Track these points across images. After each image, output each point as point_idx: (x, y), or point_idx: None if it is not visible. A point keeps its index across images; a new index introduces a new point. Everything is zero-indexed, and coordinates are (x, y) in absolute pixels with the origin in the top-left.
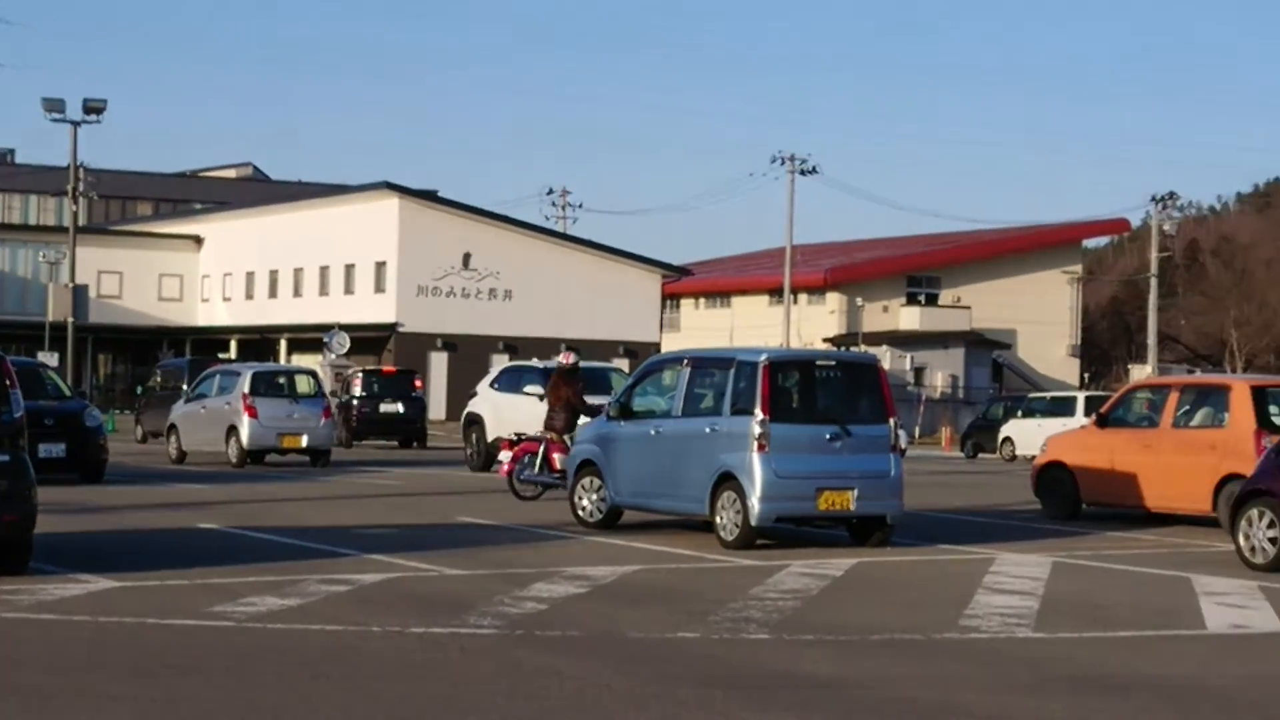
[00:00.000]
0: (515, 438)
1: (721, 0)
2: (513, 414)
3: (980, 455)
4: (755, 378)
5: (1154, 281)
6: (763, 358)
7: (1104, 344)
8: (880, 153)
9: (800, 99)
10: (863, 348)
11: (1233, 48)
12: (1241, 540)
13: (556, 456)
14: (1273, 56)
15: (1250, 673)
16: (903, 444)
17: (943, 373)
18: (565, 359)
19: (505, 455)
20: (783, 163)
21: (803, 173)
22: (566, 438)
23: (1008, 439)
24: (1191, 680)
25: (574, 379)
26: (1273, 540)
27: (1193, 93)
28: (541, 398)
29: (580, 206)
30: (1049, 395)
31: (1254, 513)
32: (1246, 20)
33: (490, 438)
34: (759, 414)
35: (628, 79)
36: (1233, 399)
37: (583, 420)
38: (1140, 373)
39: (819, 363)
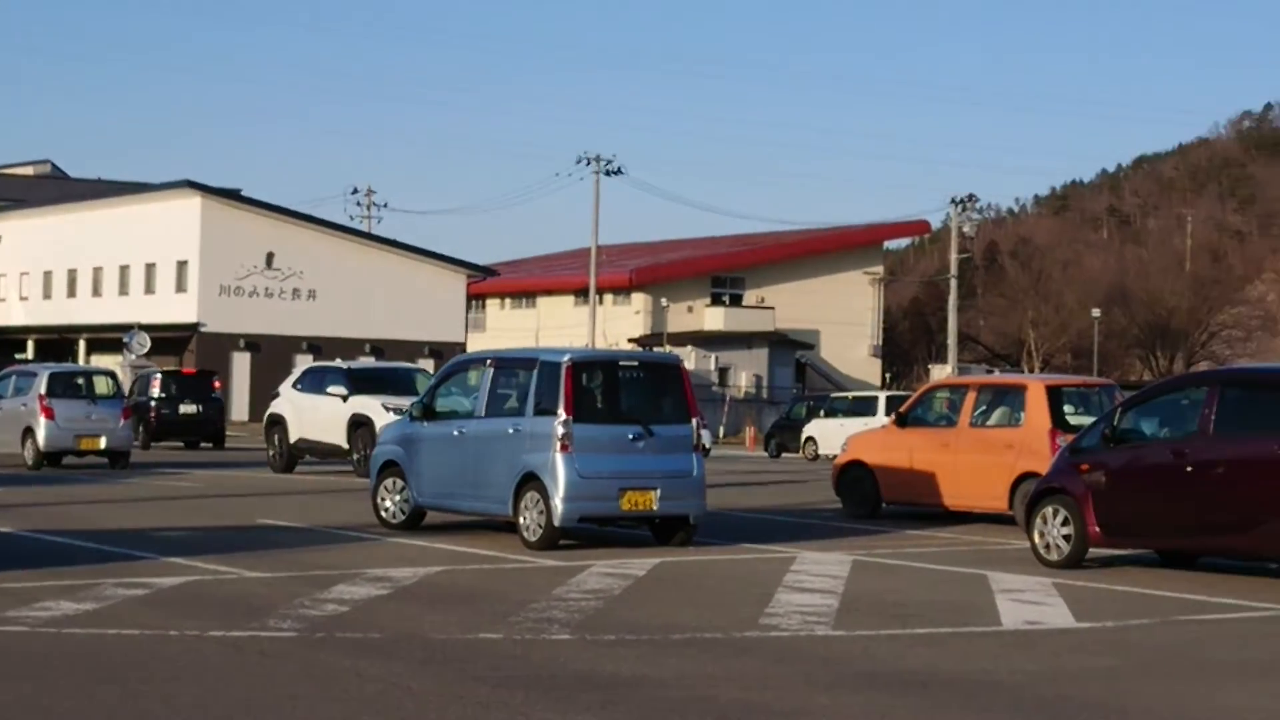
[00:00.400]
0: None
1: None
2: (315, 415)
3: (784, 455)
4: (558, 378)
5: (954, 283)
6: (565, 358)
7: (905, 344)
8: (687, 154)
9: (607, 99)
10: (668, 348)
11: (1032, 52)
12: (1036, 538)
13: None
14: (1071, 62)
15: (1042, 668)
16: (706, 444)
17: (747, 373)
18: None
19: None
20: (588, 163)
21: (608, 173)
22: None
23: (810, 439)
24: (986, 676)
25: None
26: (1067, 537)
27: (993, 97)
28: (345, 398)
29: (385, 206)
30: (851, 395)
31: (1048, 510)
32: (1044, 25)
33: (293, 439)
34: (562, 414)
35: (435, 79)
36: (1028, 399)
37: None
38: (940, 372)
39: (621, 363)
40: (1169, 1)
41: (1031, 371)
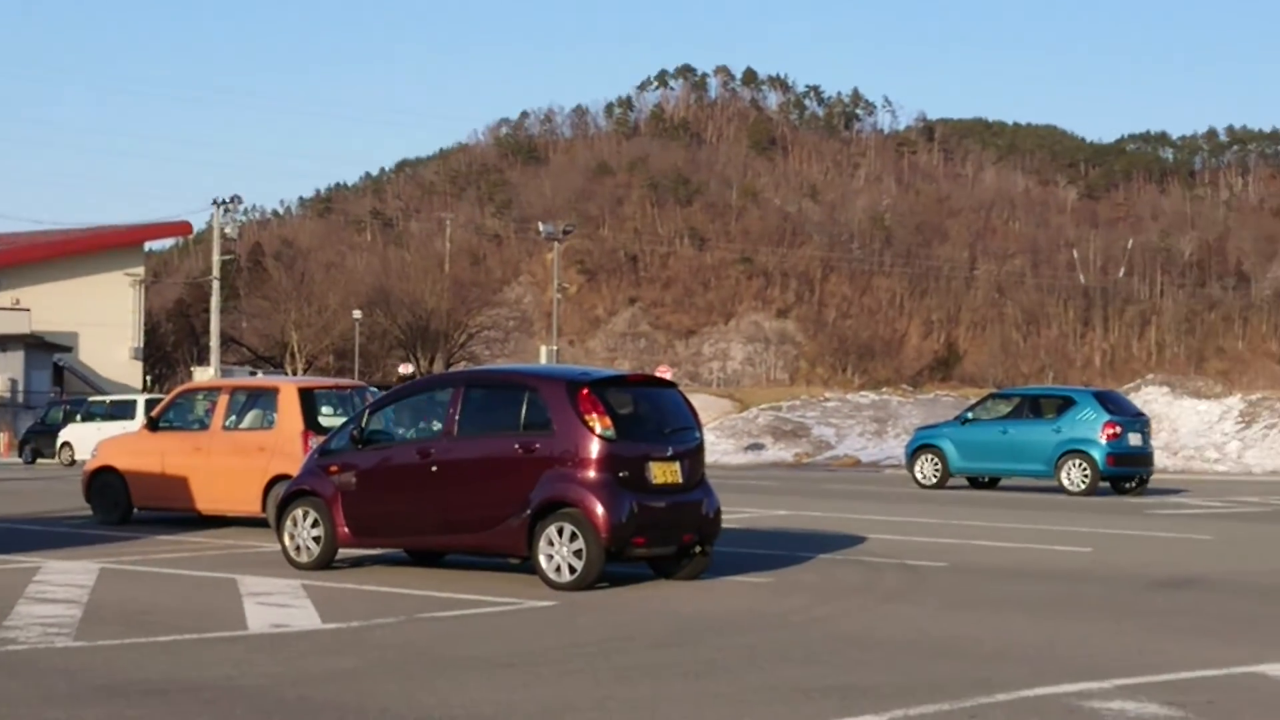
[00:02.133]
0: None
1: None
2: None
3: (39, 460)
4: None
5: (216, 284)
6: None
7: (169, 346)
8: None
9: None
10: None
11: (299, 54)
12: (287, 540)
13: None
14: (336, 65)
15: (286, 671)
16: None
17: (2, 376)
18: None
19: None
20: None
21: None
22: None
23: (66, 444)
24: (228, 681)
25: None
26: (317, 539)
27: (259, 98)
28: None
29: None
30: (109, 399)
31: (299, 513)
32: (288, 26)
33: None
34: None
35: None
36: (281, 401)
37: None
38: (203, 374)
39: None
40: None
41: (295, 373)
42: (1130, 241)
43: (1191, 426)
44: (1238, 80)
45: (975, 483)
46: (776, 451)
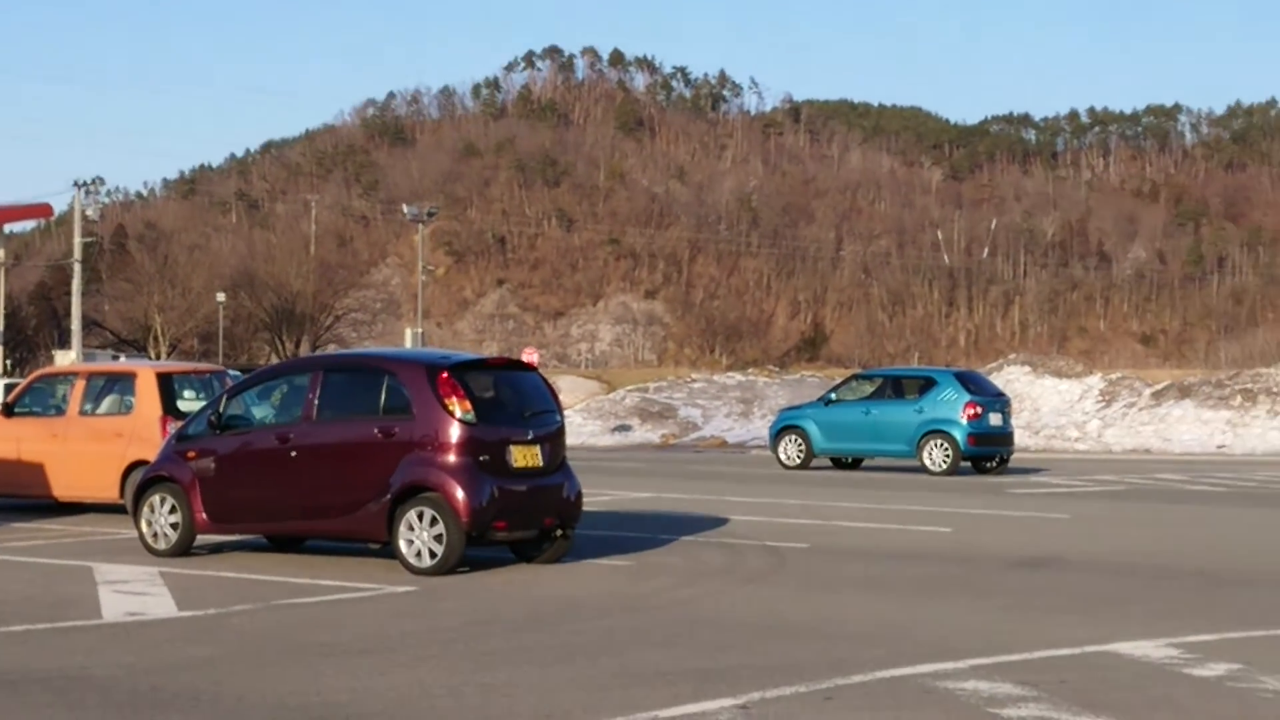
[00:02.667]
0: None
1: None
2: None
3: None
4: None
5: (78, 267)
6: None
7: (30, 330)
8: None
9: None
10: None
11: (165, 33)
12: (144, 527)
13: None
14: (202, 44)
15: (140, 660)
16: None
17: None
18: None
19: None
20: None
21: None
22: None
23: None
24: (80, 671)
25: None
26: (175, 525)
27: (122, 78)
28: None
29: None
30: None
31: (156, 499)
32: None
33: None
34: None
35: None
36: (139, 386)
37: None
38: (64, 358)
39: None
40: None
41: (158, 357)
42: (994, 222)
43: (1052, 406)
44: (1099, 62)
45: (839, 463)
46: (644, 433)
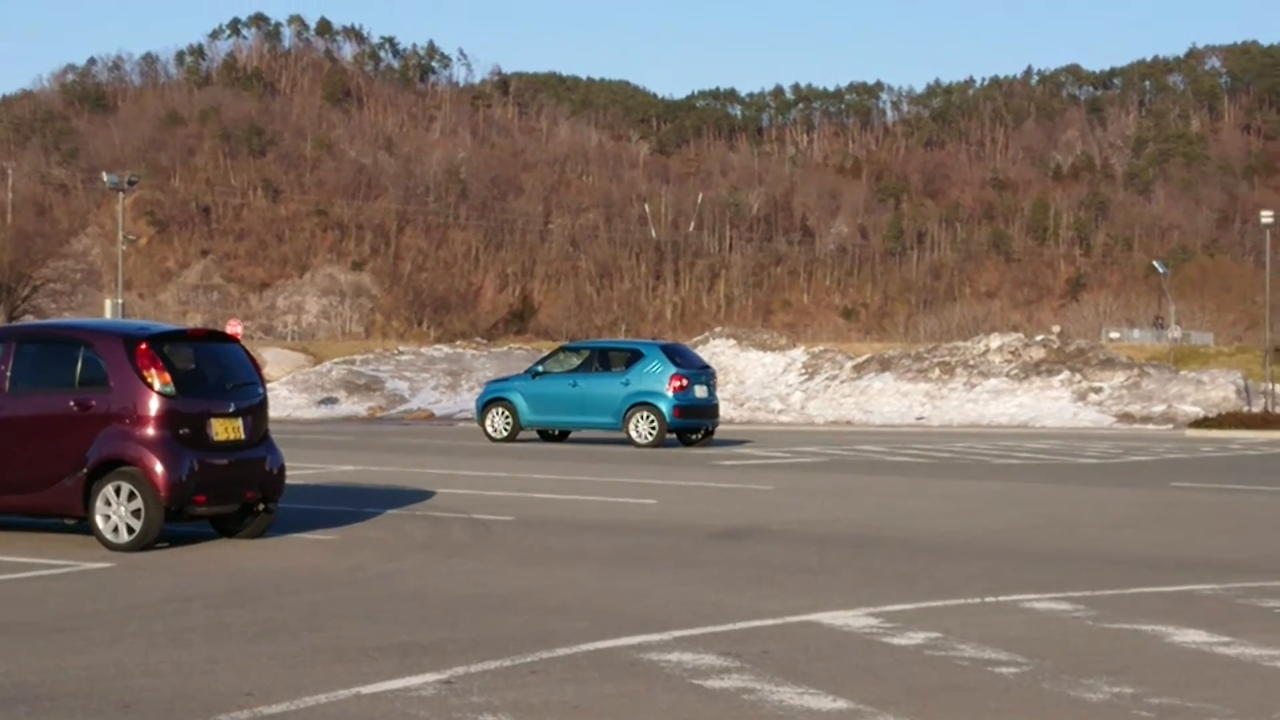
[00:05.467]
0: None
1: None
2: None
3: None
4: None
5: None
6: None
7: None
8: None
9: None
10: None
11: None
12: None
13: None
14: None
15: None
16: None
17: None
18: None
19: None
20: None
21: None
22: None
23: None
24: None
25: None
26: None
27: None
28: None
29: None
30: None
31: None
32: None
33: None
34: None
35: None
36: None
37: None
38: None
39: None
40: None
41: None
42: (700, 196)
43: (757, 378)
44: (803, 39)
45: (546, 435)
46: (350, 406)
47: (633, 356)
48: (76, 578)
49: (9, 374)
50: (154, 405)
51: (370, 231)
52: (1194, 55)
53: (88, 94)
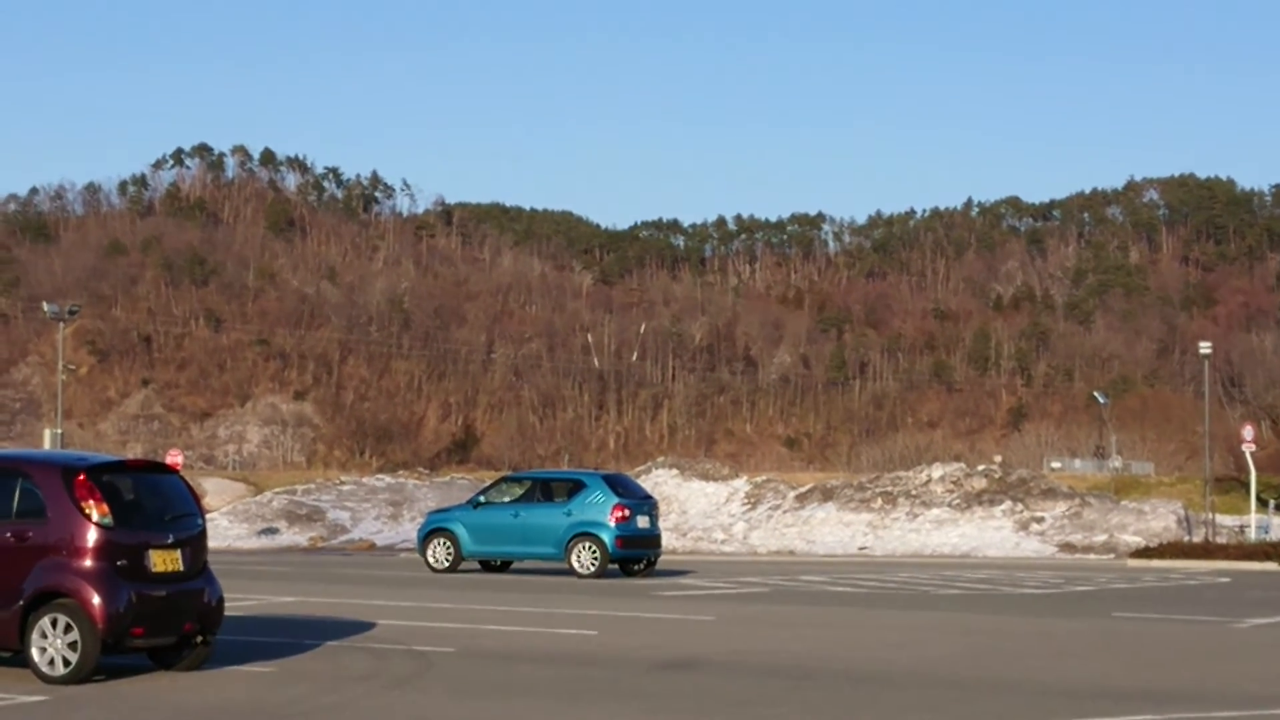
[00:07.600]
0: None
1: None
2: None
3: None
4: None
5: None
6: None
7: None
8: None
9: None
10: None
11: None
12: None
13: None
14: None
15: None
16: None
17: None
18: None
19: None
20: None
21: None
22: None
23: None
24: None
25: None
26: None
27: None
28: None
29: None
30: None
31: None
32: None
33: None
34: None
35: None
36: None
37: None
38: None
39: None
40: None
41: None
42: (643, 326)
43: (700, 508)
44: (745, 171)
45: (488, 566)
46: (291, 535)
47: (575, 487)
48: (10, 712)
49: None
50: (92, 536)
51: (313, 361)
52: (1132, 187)
53: (29, 223)
